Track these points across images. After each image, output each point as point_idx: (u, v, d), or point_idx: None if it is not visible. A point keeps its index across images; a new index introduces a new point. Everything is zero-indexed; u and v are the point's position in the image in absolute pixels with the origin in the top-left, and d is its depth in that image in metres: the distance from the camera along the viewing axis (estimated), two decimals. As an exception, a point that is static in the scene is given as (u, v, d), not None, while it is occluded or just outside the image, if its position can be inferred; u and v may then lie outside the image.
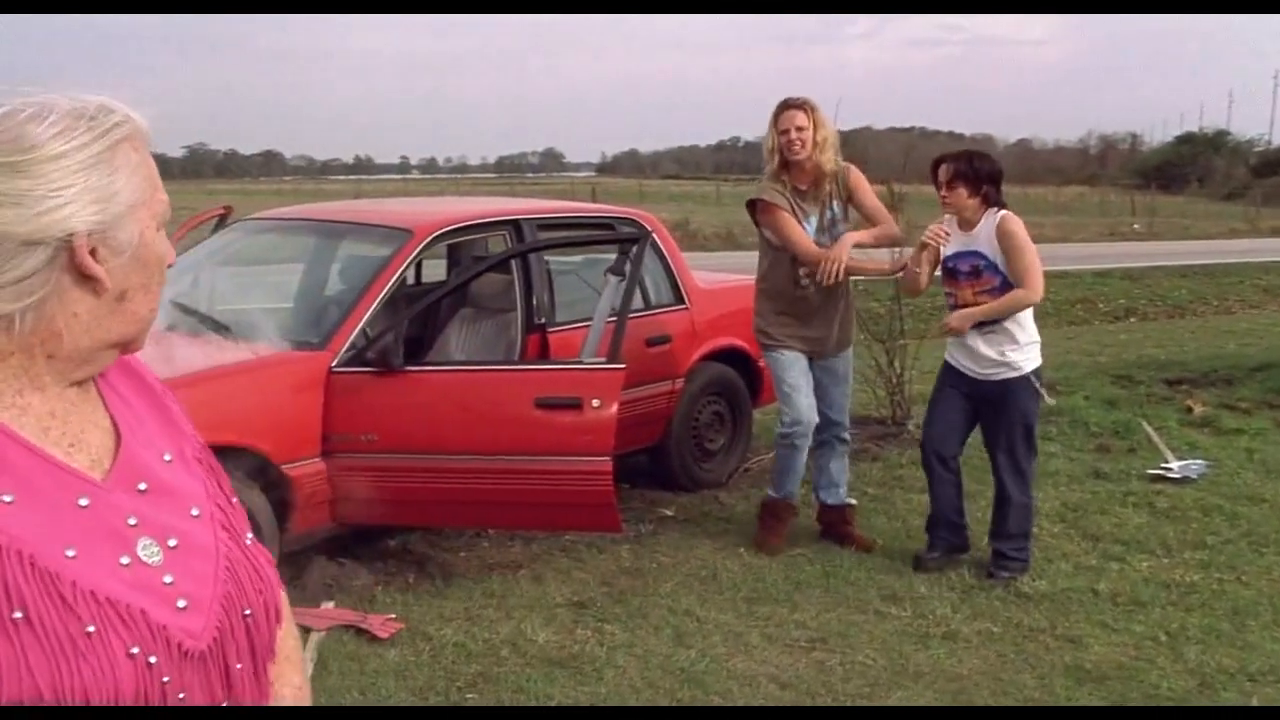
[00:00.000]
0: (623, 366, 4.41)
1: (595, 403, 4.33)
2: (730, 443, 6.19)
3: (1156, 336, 12.40)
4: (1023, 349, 4.77)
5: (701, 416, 6.02)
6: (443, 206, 5.92)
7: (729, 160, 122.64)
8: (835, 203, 5.13)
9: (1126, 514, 5.63)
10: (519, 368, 4.55)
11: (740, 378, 6.23)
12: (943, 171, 4.74)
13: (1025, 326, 4.79)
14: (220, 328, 4.66)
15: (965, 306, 4.77)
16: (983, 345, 4.76)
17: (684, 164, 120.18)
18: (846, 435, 5.35)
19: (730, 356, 6.18)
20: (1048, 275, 15.57)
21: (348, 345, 4.55)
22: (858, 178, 5.15)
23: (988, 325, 4.74)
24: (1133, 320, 15.11)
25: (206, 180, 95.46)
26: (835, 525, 5.27)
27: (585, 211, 6.31)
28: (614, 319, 4.50)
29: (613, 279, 4.56)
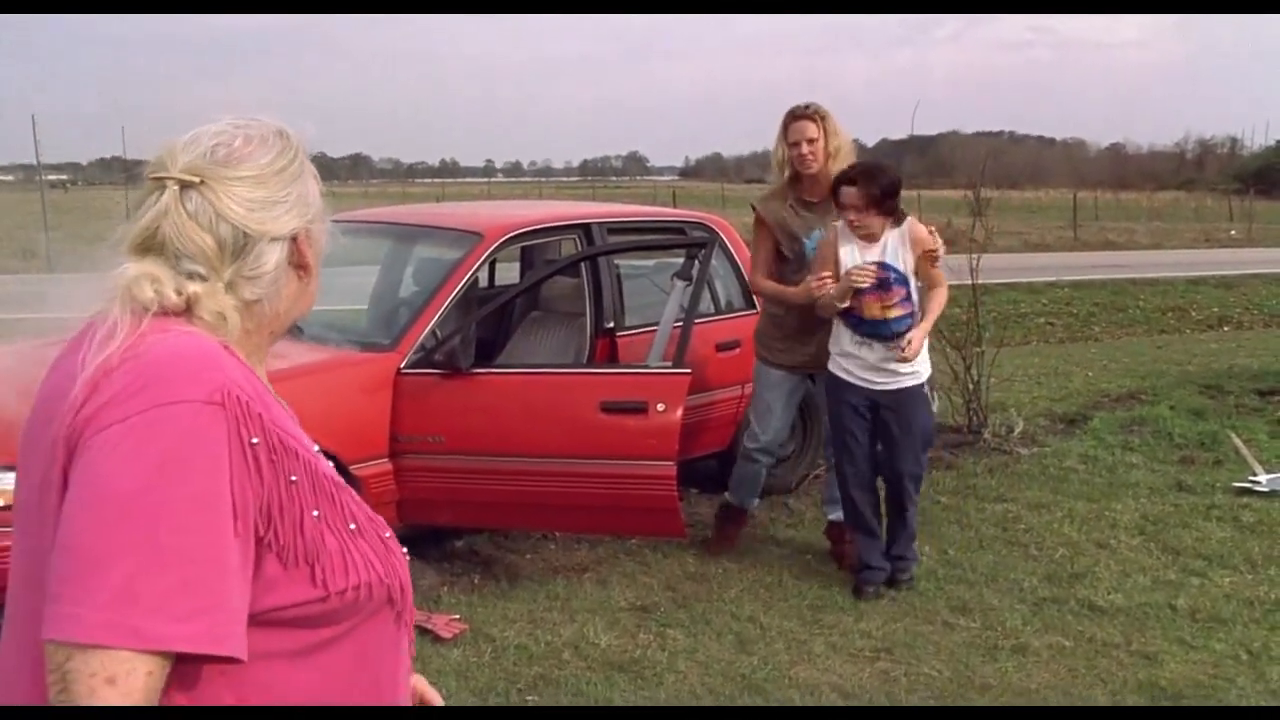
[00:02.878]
0: (688, 371, 4.39)
1: (660, 407, 4.31)
2: (800, 449, 6.13)
3: (1250, 346, 12.03)
4: (921, 355, 4.61)
5: (772, 422, 5.96)
6: (514, 210, 5.95)
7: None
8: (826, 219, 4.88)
9: (1209, 528, 5.47)
10: (584, 371, 4.55)
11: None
12: (851, 197, 4.48)
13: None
14: (292, 329, 4.71)
15: (869, 320, 4.54)
16: (879, 354, 4.57)
17: (767, 168, 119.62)
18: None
19: (802, 362, 6.11)
20: (1138, 283, 15.32)
21: (416, 347, 4.59)
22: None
23: (888, 335, 4.55)
24: (1226, 329, 14.71)
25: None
26: (833, 542, 5.11)
27: (655, 215, 6.30)
28: (680, 323, 4.48)
29: (679, 283, 4.55)
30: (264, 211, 1.27)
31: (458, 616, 4.32)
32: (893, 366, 4.56)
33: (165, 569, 1.09)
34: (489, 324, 5.74)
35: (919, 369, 4.62)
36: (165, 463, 1.11)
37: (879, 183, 4.49)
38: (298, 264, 1.32)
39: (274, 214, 1.28)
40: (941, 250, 4.61)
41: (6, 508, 3.74)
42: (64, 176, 63.07)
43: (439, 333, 4.66)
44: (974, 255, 7.22)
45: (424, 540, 4.97)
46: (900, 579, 4.72)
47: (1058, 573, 4.88)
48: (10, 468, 3.74)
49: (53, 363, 1.28)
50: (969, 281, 7.48)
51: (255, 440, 1.17)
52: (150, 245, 1.24)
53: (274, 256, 1.29)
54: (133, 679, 1.08)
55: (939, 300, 4.62)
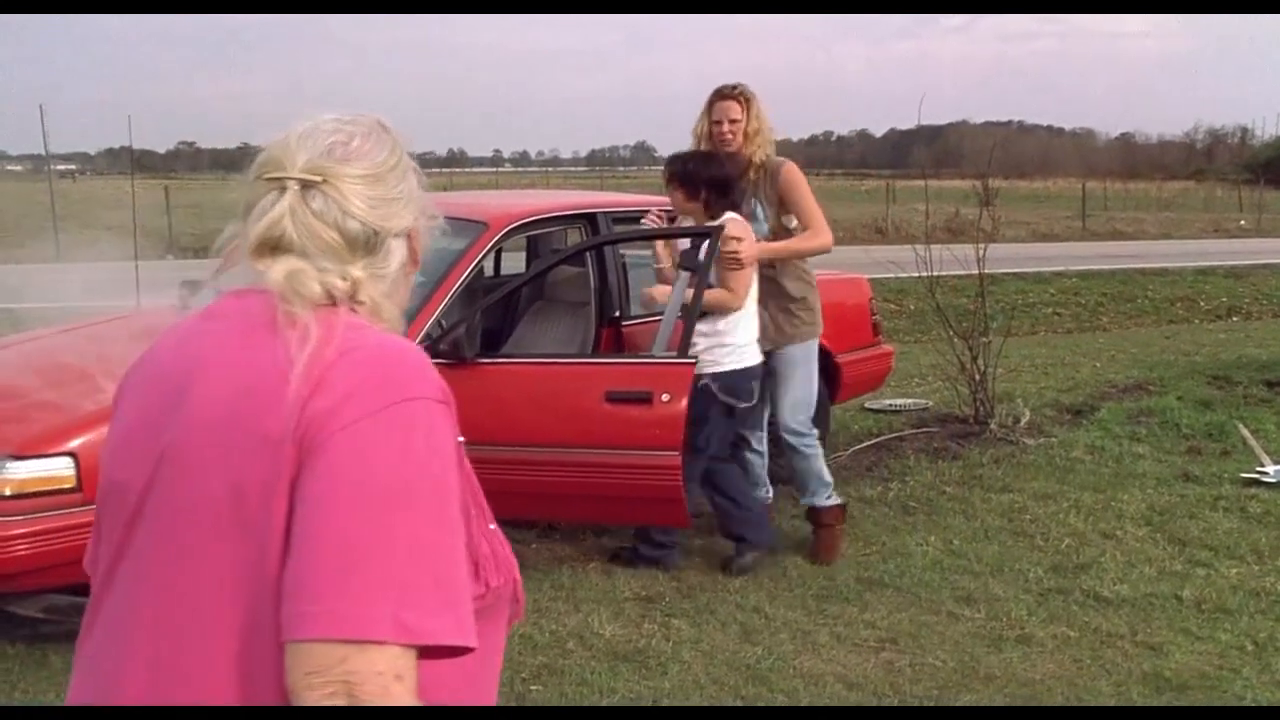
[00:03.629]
0: (693, 361, 4.39)
1: (665, 397, 4.30)
2: (807, 439, 6.11)
3: (1259, 336, 12.01)
4: (707, 351, 4.60)
5: (778, 412, 5.95)
6: (519, 199, 5.93)
7: (821, 154, 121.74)
8: (758, 199, 4.96)
9: (1216, 518, 5.46)
10: (589, 361, 4.53)
11: (819, 374, 6.15)
12: (664, 175, 4.70)
13: (718, 328, 4.63)
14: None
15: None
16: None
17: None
18: (792, 438, 5.01)
19: (808, 352, 6.10)
20: (1147, 272, 15.27)
21: (421, 336, 4.58)
22: (791, 178, 4.92)
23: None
24: (1235, 319, 14.67)
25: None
26: (815, 526, 5.08)
27: (661, 204, 6.29)
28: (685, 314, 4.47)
29: (683, 273, 4.53)
30: (385, 208, 1.27)
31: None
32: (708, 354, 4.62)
33: (426, 563, 1.12)
34: (495, 313, 5.73)
35: (707, 365, 4.58)
36: (419, 459, 1.14)
37: (685, 163, 4.69)
38: (411, 260, 1.34)
39: (394, 210, 1.28)
40: (744, 254, 4.59)
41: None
42: (73, 166, 63.25)
43: (444, 322, 4.66)
44: (980, 245, 7.19)
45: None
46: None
47: (1063, 563, 4.88)
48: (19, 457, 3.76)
49: (189, 357, 1.25)
50: (975, 271, 7.46)
51: (461, 439, 1.23)
52: (277, 246, 1.23)
53: (399, 253, 1.31)
54: (411, 675, 1.10)
55: (721, 296, 4.60)
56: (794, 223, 4.93)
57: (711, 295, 4.55)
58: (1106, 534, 5.24)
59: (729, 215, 4.67)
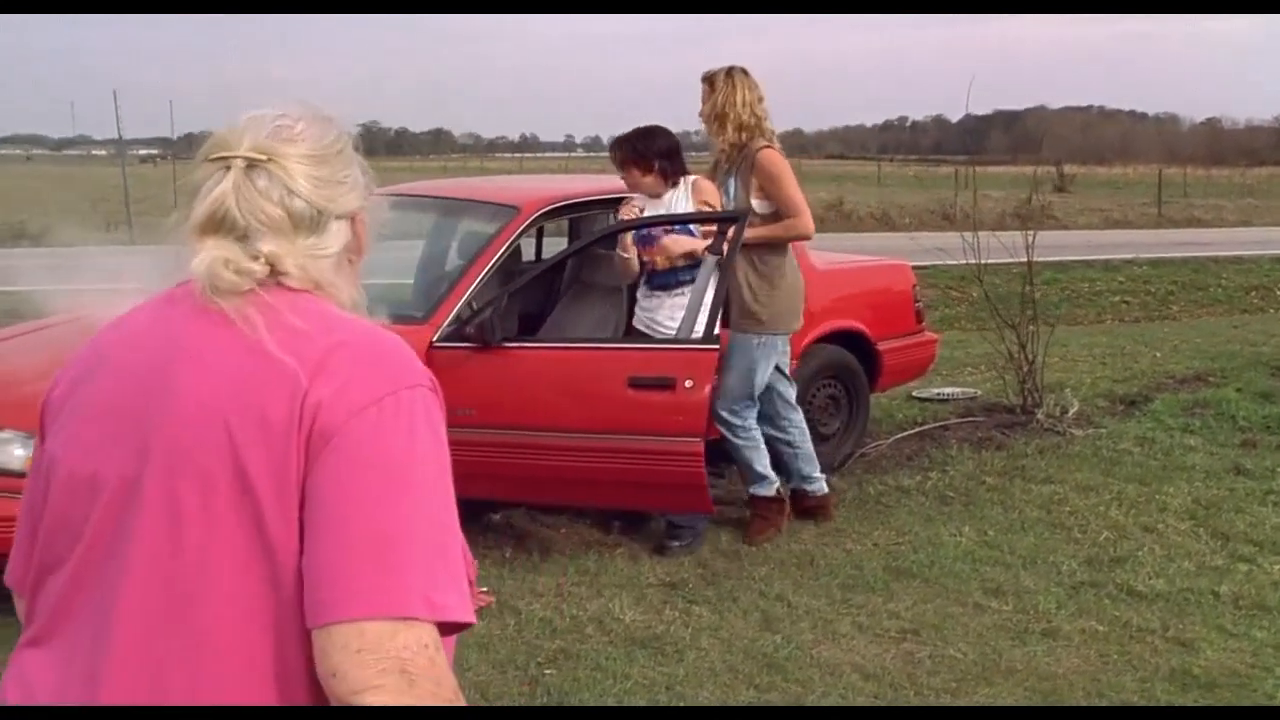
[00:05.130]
0: (717, 347, 4.37)
1: (688, 383, 4.29)
2: (845, 428, 6.07)
3: (1333, 327, 11.65)
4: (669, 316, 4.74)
5: (815, 400, 5.91)
6: (553, 183, 5.94)
7: (895, 140, 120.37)
8: (734, 181, 4.95)
9: (1264, 513, 5.31)
10: (613, 346, 4.53)
11: (859, 362, 6.10)
12: (614, 158, 4.90)
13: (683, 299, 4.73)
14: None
15: (659, 273, 4.81)
16: (661, 306, 4.81)
17: (849, 144, 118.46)
18: (720, 425, 4.95)
19: (848, 339, 6.05)
20: (1221, 260, 14.90)
21: (450, 320, 4.61)
22: (768, 164, 4.86)
23: (675, 290, 4.76)
24: (1312, 310, 14.25)
25: (379, 158, 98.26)
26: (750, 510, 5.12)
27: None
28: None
29: (711, 258, 4.51)
30: (329, 189, 1.30)
31: (485, 589, 4.35)
32: (663, 319, 4.75)
33: (440, 543, 1.18)
34: (534, 297, 5.75)
35: (665, 324, 4.73)
36: (425, 443, 1.21)
37: (634, 145, 4.85)
38: (355, 246, 1.37)
39: (338, 192, 1.31)
40: (719, 205, 4.81)
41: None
42: (154, 151, 64.44)
43: (474, 306, 4.68)
44: (1029, 232, 7.05)
45: (461, 513, 4.99)
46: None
47: (1099, 556, 4.78)
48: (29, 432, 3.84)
49: (166, 344, 1.26)
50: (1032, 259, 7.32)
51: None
52: (218, 225, 1.25)
53: (342, 235, 1.33)
54: (442, 649, 1.16)
55: (694, 243, 4.73)
56: (768, 208, 4.89)
57: (685, 242, 4.69)
58: (1147, 527, 5.13)
59: (692, 179, 4.83)
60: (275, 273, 1.26)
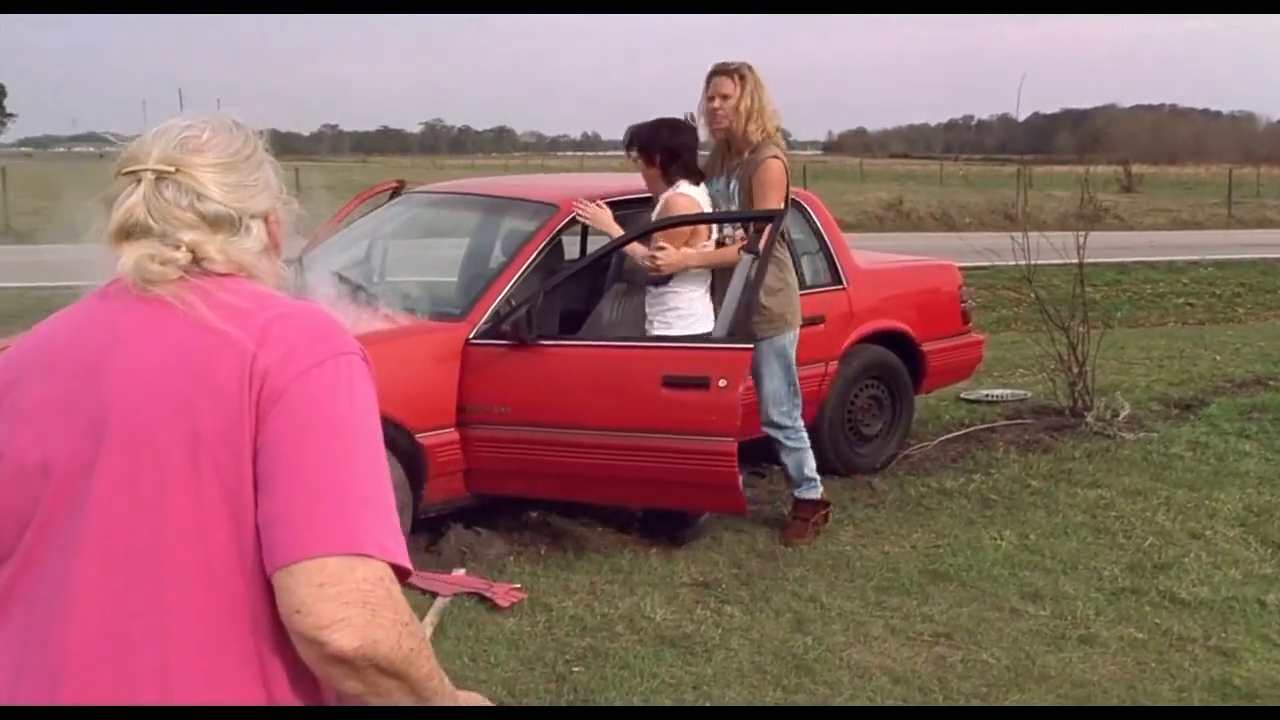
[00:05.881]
0: (750, 346, 4.35)
1: (722, 382, 4.27)
2: (888, 428, 6.01)
3: (1403, 330, 11.34)
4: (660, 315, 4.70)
5: (857, 400, 5.87)
6: (592, 181, 5.96)
7: (960, 139, 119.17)
8: (737, 179, 4.86)
9: (1320, 521, 5.18)
10: (646, 344, 4.52)
11: (903, 362, 6.05)
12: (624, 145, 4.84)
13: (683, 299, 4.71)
14: (369, 297, 4.82)
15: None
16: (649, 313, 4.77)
17: (913, 143, 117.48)
18: (771, 430, 4.97)
19: (892, 340, 6.00)
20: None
21: (486, 318, 4.64)
22: (766, 176, 4.74)
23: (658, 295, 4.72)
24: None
25: (441, 155, 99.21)
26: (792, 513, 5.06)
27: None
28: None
29: (745, 256, 4.49)
30: (240, 191, 1.36)
31: (518, 586, 4.37)
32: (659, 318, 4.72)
33: (380, 493, 1.26)
34: (577, 295, 5.76)
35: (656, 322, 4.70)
36: (362, 404, 1.30)
37: (639, 132, 4.77)
38: (271, 244, 1.43)
39: (250, 194, 1.38)
40: (662, 263, 4.64)
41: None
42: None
43: (513, 302, 4.70)
44: (1080, 233, 6.94)
45: (497, 510, 5.03)
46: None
47: (1142, 562, 4.69)
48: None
49: (101, 332, 1.33)
50: (1105, 260, 7.19)
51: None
52: (133, 231, 1.33)
53: (256, 235, 1.39)
54: (396, 584, 1.24)
55: (712, 255, 4.73)
56: None
57: (639, 250, 4.68)
58: (1194, 534, 5.03)
59: (682, 187, 4.70)
60: (198, 259, 1.33)
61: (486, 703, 1.45)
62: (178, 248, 1.31)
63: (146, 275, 1.30)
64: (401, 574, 1.27)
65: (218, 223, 1.34)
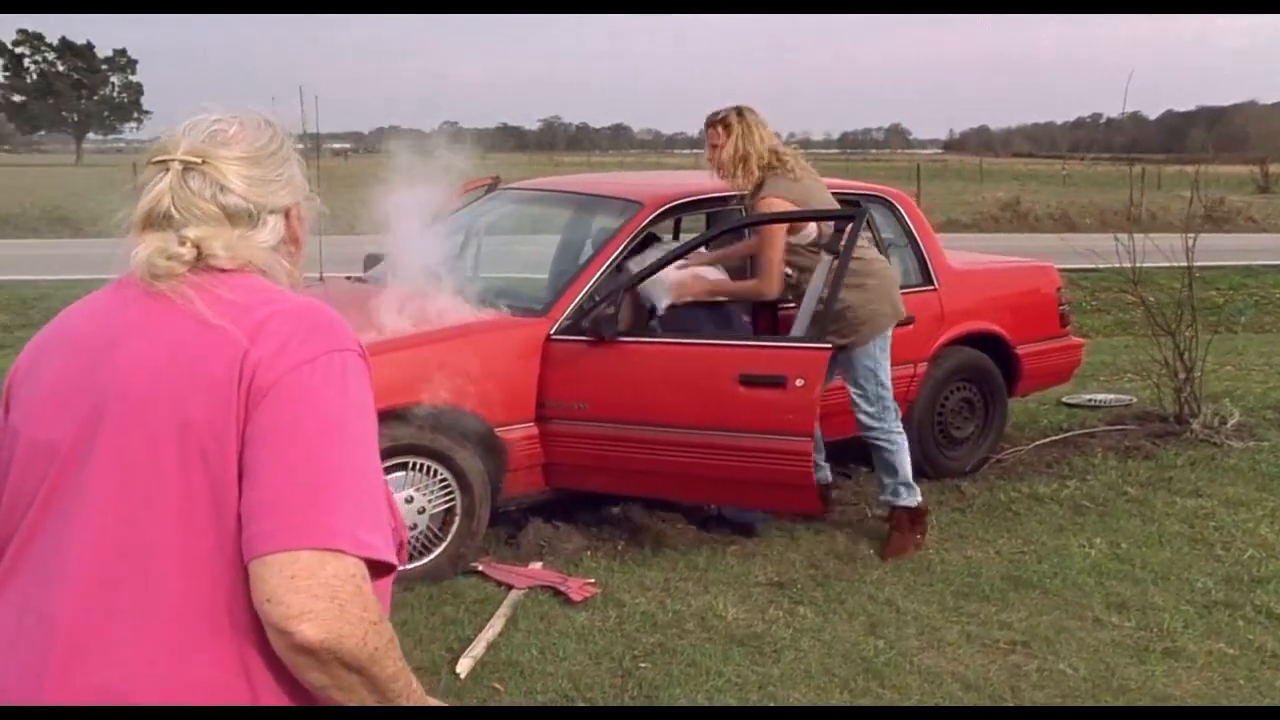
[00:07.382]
0: (829, 346, 4.31)
1: (799, 382, 4.24)
2: (980, 431, 5.90)
3: None
4: None
5: (948, 403, 5.77)
6: (678, 180, 5.95)
7: (1087, 138, 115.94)
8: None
9: None
10: (724, 343, 4.50)
11: (996, 365, 5.92)
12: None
13: None
14: (455, 292, 4.89)
15: None
16: None
17: (1038, 141, 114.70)
18: (864, 432, 4.89)
19: (985, 342, 5.89)
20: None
21: (567, 314, 4.67)
22: (757, 212, 4.74)
23: None
24: None
25: (559, 152, 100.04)
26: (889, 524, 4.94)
27: (831, 188, 6.18)
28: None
29: (826, 256, 4.45)
30: (263, 186, 1.42)
31: (592, 580, 4.40)
32: None
33: (367, 489, 1.30)
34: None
35: None
36: (355, 400, 1.33)
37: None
38: (291, 239, 1.48)
39: (272, 189, 1.43)
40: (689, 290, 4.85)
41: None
42: (347, 145, 66.94)
43: (597, 298, 4.72)
44: (1189, 235, 6.71)
45: (576, 504, 5.07)
46: None
47: (1239, 575, 4.53)
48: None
49: (109, 321, 1.40)
50: (1223, 263, 6.95)
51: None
52: (156, 221, 1.39)
53: (277, 228, 1.45)
54: (368, 582, 1.28)
55: (753, 287, 4.84)
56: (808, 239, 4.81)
57: (744, 286, 4.75)
58: (1299, 548, 4.83)
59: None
60: (203, 255, 1.37)
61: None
62: (183, 243, 1.36)
63: (153, 270, 1.36)
64: (386, 567, 1.31)
65: (235, 216, 1.39)
